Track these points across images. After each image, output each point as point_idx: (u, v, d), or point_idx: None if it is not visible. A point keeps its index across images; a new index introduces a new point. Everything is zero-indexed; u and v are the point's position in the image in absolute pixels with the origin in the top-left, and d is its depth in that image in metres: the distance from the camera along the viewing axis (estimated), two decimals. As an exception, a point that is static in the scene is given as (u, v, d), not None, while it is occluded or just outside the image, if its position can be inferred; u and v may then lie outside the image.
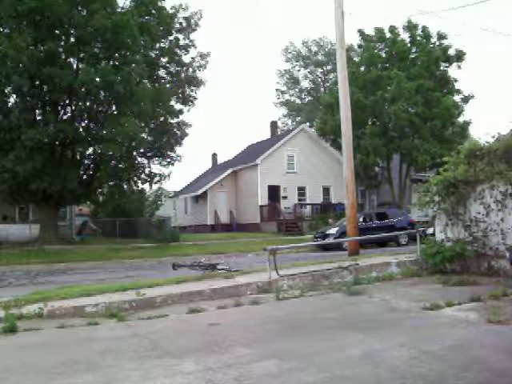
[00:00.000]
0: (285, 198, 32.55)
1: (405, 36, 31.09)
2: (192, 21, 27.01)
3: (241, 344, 4.85)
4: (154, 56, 26.04)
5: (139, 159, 26.77)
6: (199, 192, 34.57)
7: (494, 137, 9.18)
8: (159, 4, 25.09)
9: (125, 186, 26.89)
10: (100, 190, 27.35)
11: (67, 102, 23.66)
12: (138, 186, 28.07)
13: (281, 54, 70.38)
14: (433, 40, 30.64)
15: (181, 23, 26.93)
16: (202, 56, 27.78)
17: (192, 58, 27.87)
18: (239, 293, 8.03)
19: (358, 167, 24.17)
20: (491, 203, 8.64)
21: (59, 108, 23.91)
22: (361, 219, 20.00)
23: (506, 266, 8.36)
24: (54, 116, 22.65)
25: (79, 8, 22.18)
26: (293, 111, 58.95)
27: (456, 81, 30.71)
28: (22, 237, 24.56)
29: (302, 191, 33.39)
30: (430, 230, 10.83)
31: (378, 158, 29.61)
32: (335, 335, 5.07)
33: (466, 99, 30.87)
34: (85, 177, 25.27)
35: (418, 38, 30.58)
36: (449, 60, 30.18)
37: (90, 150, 25.09)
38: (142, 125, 24.62)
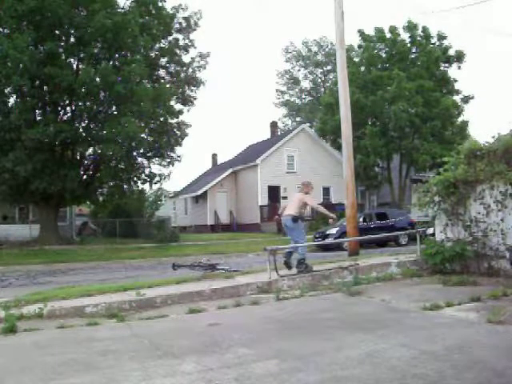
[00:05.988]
0: (285, 198, 32.51)
1: (405, 36, 31.13)
2: (192, 21, 27.06)
3: (241, 344, 4.84)
4: (153, 56, 26.06)
5: (139, 159, 26.75)
6: (199, 192, 34.57)
7: (493, 137, 9.16)
8: (159, 4, 25.12)
9: (125, 186, 26.89)
10: (100, 190, 27.35)
11: (67, 102, 23.66)
12: (138, 187, 28.09)
13: (281, 54, 70.56)
14: (433, 40, 30.69)
15: (180, 23, 26.97)
16: (202, 56, 27.83)
17: (192, 58, 27.94)
18: (239, 293, 8.02)
19: (358, 167, 24.20)
20: (491, 203, 8.64)
21: (59, 108, 23.92)
22: (361, 219, 20.00)
23: (506, 266, 8.36)
24: (54, 116, 22.65)
25: (79, 8, 22.21)
26: (293, 111, 58.95)
27: (456, 81, 30.77)
28: (21, 237, 24.57)
29: (302, 191, 33.32)
30: (430, 230, 10.82)
31: (378, 158, 29.64)
32: (335, 335, 5.07)
33: (465, 99, 30.89)
34: (85, 177, 25.26)
35: (418, 38, 30.61)
36: (449, 60, 30.23)
37: (90, 150, 25.12)
38: (142, 125, 24.62)
